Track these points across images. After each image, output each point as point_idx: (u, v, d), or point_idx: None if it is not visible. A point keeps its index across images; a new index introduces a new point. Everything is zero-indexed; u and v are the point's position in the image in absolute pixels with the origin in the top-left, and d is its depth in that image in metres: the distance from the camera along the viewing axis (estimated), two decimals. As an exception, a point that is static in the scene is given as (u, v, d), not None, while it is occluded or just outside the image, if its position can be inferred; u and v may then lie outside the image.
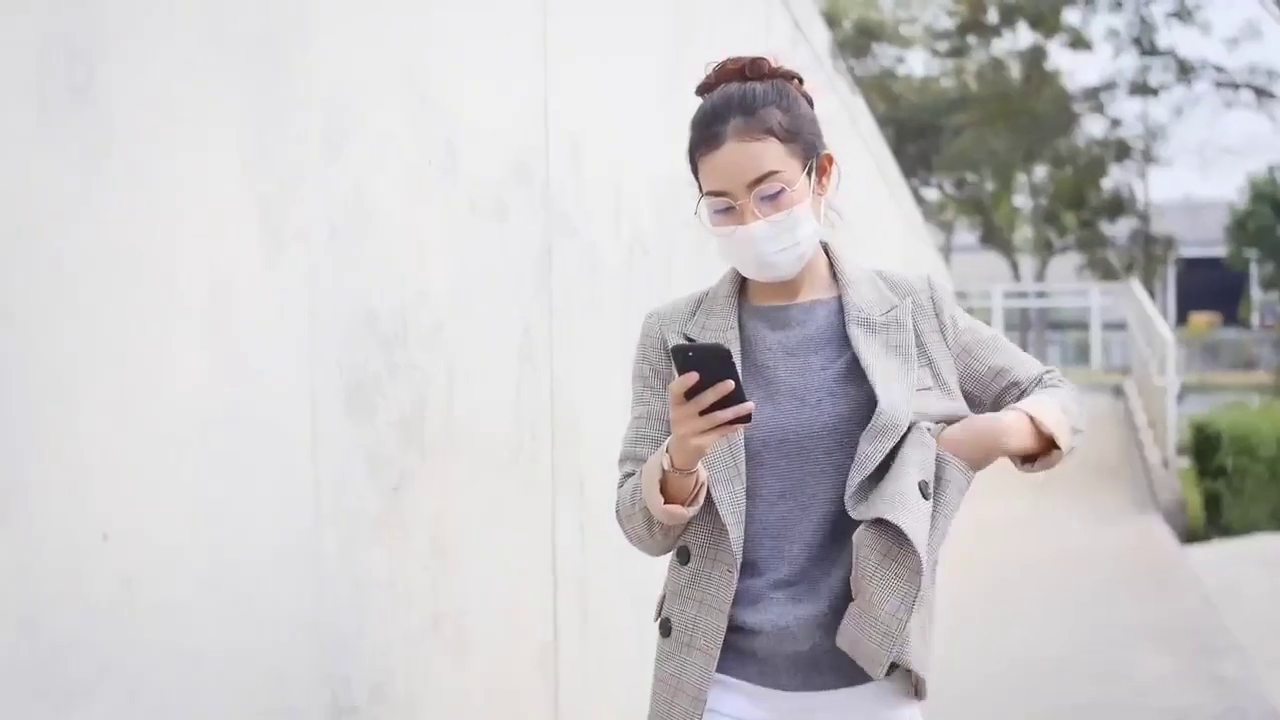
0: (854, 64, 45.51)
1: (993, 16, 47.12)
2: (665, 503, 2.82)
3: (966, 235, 53.88)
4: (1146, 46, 45.33)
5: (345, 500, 3.05)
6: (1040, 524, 15.57)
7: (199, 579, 2.56)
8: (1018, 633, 10.37)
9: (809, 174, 2.93)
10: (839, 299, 3.02)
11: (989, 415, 2.92)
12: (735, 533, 2.86)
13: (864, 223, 13.73)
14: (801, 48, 9.12)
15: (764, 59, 2.99)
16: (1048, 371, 3.11)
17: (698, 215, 2.96)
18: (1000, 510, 14.80)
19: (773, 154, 2.87)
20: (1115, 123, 47.87)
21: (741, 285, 3.07)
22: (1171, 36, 70.44)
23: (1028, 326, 46.45)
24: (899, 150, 40.00)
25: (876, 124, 16.88)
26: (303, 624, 2.90)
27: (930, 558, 2.80)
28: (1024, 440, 2.88)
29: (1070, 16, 45.82)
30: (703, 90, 2.99)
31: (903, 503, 2.75)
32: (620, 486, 3.03)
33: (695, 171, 2.96)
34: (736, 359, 2.81)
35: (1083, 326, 39.28)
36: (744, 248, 2.90)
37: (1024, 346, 44.89)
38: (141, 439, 2.40)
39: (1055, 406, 2.94)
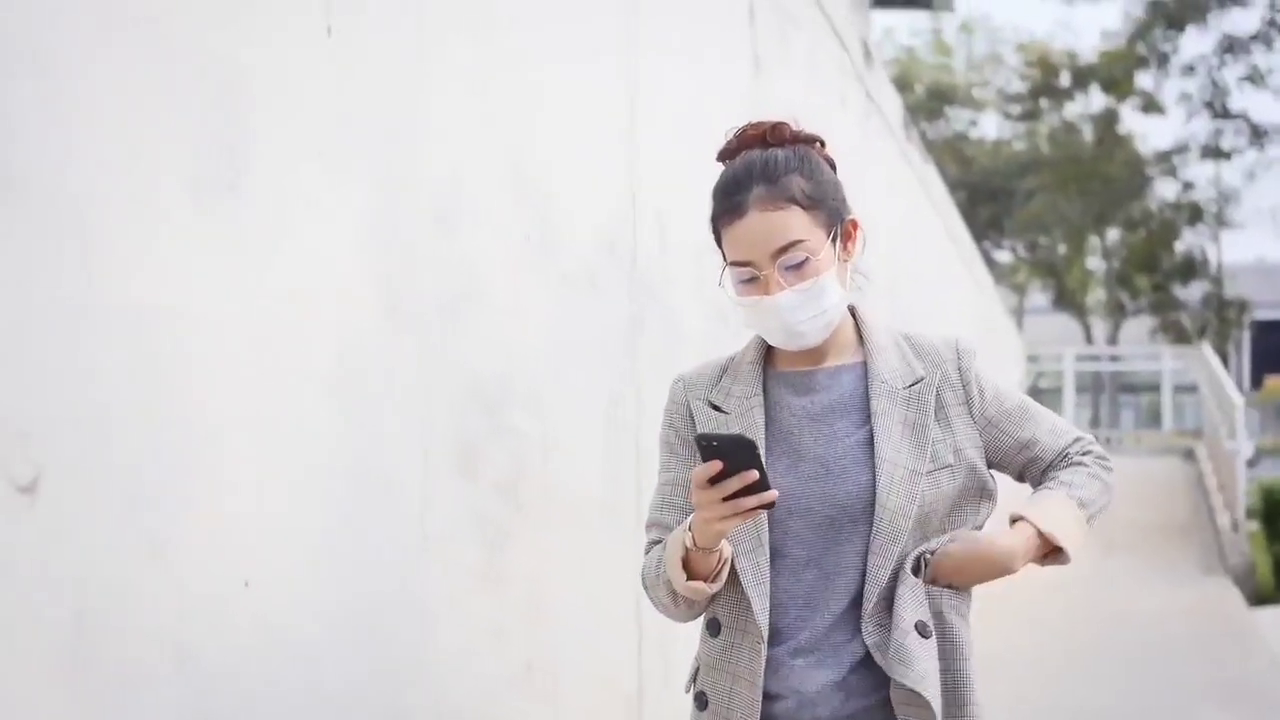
0: (926, 127, 45.68)
1: (1065, 80, 47.10)
2: (688, 579, 2.81)
3: (1039, 298, 53.77)
4: (1219, 110, 45.19)
5: (451, 553, 3.30)
6: (1108, 583, 15.65)
7: (325, 623, 2.81)
8: (1084, 689, 10.50)
9: (833, 240, 2.89)
10: (864, 364, 2.98)
11: (991, 537, 2.87)
12: (759, 604, 2.84)
13: (935, 287, 13.93)
14: (874, 118, 9.36)
15: (785, 124, 2.94)
16: (1077, 440, 3.05)
17: (721, 285, 2.92)
18: (1068, 568, 14.87)
19: (796, 222, 2.83)
20: (1188, 186, 47.67)
21: (767, 350, 3.03)
22: (1244, 100, 70.47)
23: (1100, 389, 46.30)
24: (971, 213, 40.13)
25: (949, 187, 17.08)
26: (413, 667, 3.14)
27: (953, 675, 2.85)
28: (1030, 555, 2.88)
29: (1143, 80, 45.73)
30: (724, 156, 2.97)
31: (903, 657, 2.77)
32: (646, 553, 3.03)
33: (718, 240, 2.92)
34: (760, 444, 2.83)
35: (1155, 389, 39.19)
36: (770, 317, 2.86)
37: (1096, 409, 45.05)
38: (276, 494, 2.65)
39: (1070, 503, 2.93)
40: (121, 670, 2.25)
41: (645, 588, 3.00)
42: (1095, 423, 43.23)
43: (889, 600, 2.83)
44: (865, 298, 3.06)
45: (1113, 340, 48.47)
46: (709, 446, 2.60)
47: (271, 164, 2.63)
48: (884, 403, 2.91)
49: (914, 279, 12.01)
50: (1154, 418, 39.05)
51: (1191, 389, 33.84)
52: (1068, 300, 50.16)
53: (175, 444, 2.38)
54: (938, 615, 2.87)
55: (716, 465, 2.59)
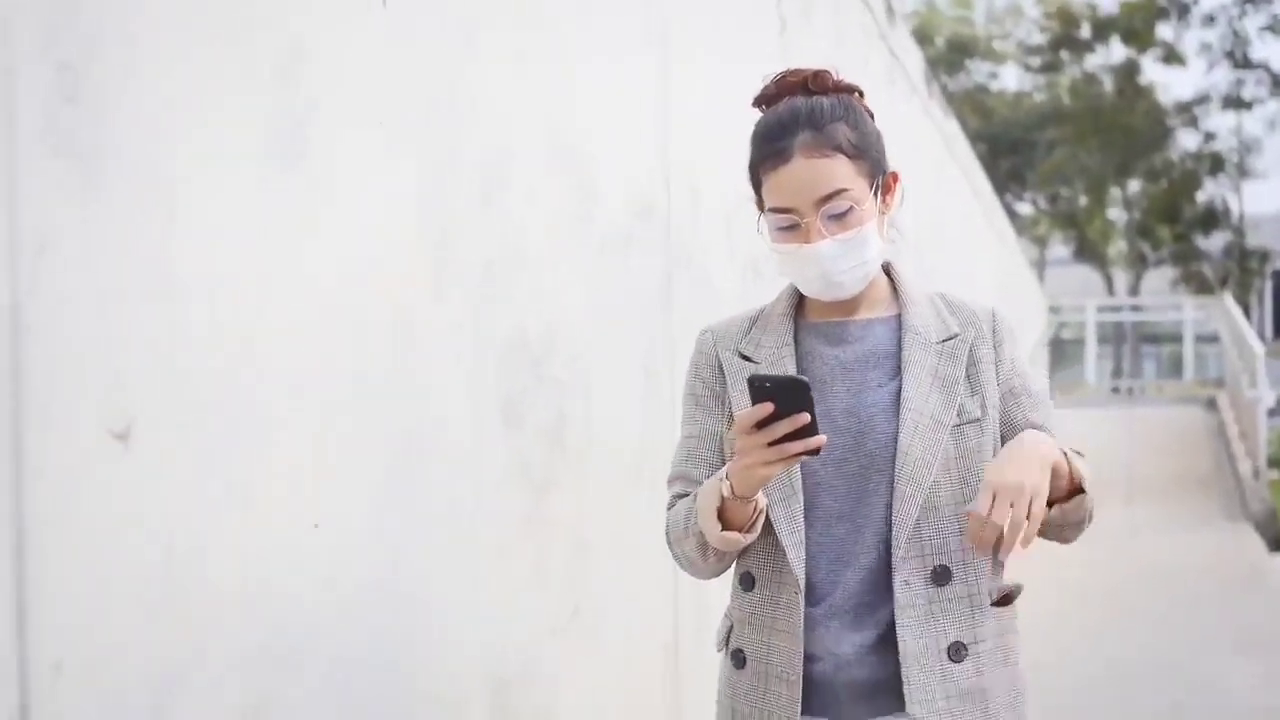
0: (947, 80, 45.69)
1: (1085, 31, 47.17)
2: (723, 529, 2.78)
3: (1060, 250, 53.82)
4: (1240, 60, 45.27)
5: (500, 501, 3.48)
6: (1133, 533, 15.82)
7: (386, 565, 2.99)
8: (1112, 637, 10.67)
9: (875, 192, 2.86)
10: (898, 317, 2.96)
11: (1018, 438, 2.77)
12: (795, 554, 2.83)
13: (959, 241, 14.07)
14: (897, 75, 9.50)
15: (826, 72, 2.93)
16: (1072, 448, 2.91)
17: (760, 231, 2.91)
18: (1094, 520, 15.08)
19: (841, 171, 2.80)
20: (1209, 136, 47.76)
21: (799, 301, 3.02)
22: (1265, 50, 70.00)
23: (1122, 340, 46.38)
24: (992, 166, 40.15)
25: (969, 140, 17.18)
26: (465, 609, 3.33)
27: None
28: (1059, 461, 2.77)
29: (1163, 31, 45.84)
30: (762, 102, 2.95)
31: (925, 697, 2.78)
32: (670, 508, 3.00)
33: (757, 186, 2.90)
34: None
35: (1177, 340, 39.27)
36: (809, 265, 2.83)
37: (1118, 359, 45.08)
38: (341, 443, 2.83)
39: (1074, 455, 2.85)
40: (205, 603, 2.43)
41: (670, 543, 2.97)
42: (1118, 372, 43.29)
43: (919, 547, 2.81)
44: (898, 254, 3.06)
45: (1134, 291, 48.52)
46: (761, 388, 2.59)
47: (332, 137, 2.80)
48: (916, 352, 2.88)
49: (938, 235, 12.16)
50: (1176, 368, 39.09)
51: (1213, 339, 33.88)
52: (1089, 251, 50.21)
53: (251, 397, 2.56)
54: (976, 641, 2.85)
55: (767, 408, 2.58)
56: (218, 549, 2.46)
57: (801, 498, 2.84)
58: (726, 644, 3.00)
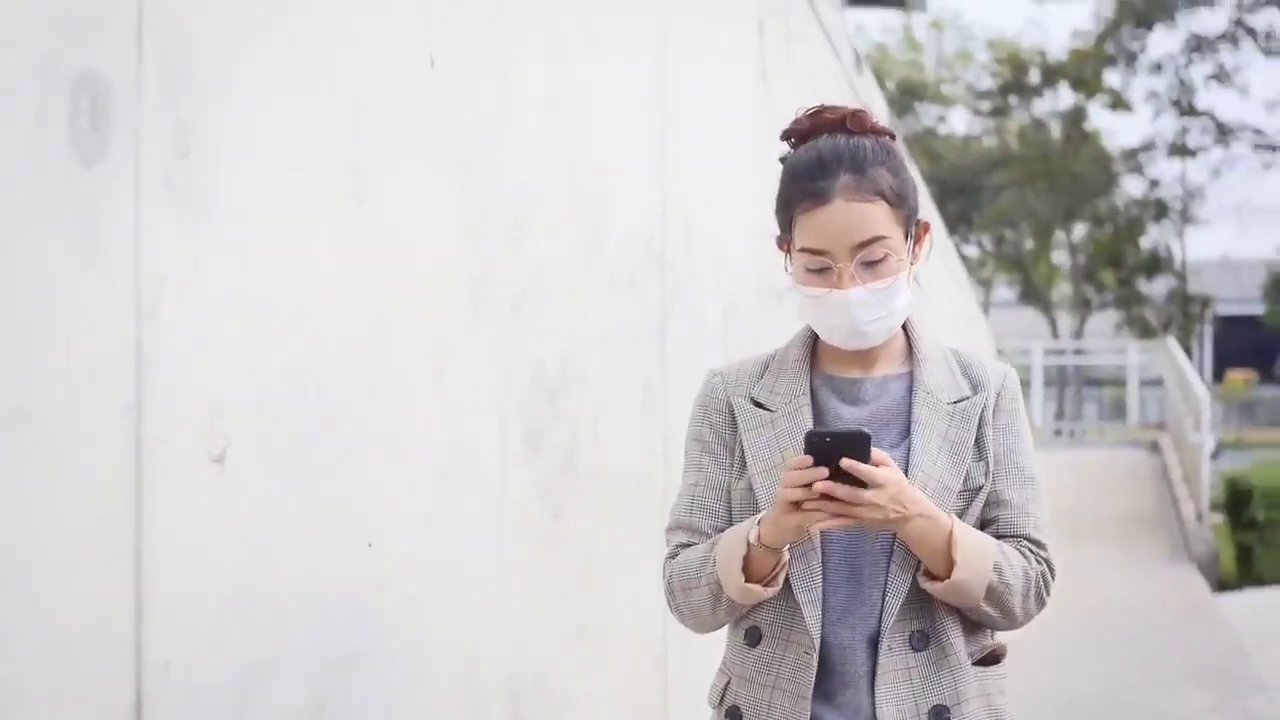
0: (897, 123, 46.13)
1: (1034, 77, 47.68)
2: (745, 580, 2.73)
3: (1005, 292, 54.35)
4: (1186, 108, 45.84)
5: (522, 521, 3.72)
6: (1080, 574, 16.14)
7: (427, 580, 3.23)
8: (1059, 673, 10.96)
9: (908, 241, 2.81)
10: (910, 374, 2.89)
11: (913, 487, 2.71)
12: (811, 612, 2.77)
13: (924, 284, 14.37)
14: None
15: (865, 112, 2.86)
16: (1040, 544, 2.86)
17: (788, 272, 2.86)
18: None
19: (881, 217, 2.74)
20: (1154, 183, 48.33)
21: (812, 349, 2.94)
22: (1210, 99, 71.05)
23: (1065, 382, 46.83)
24: (940, 208, 40.50)
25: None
26: (490, 621, 3.56)
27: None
28: (924, 535, 2.70)
29: (1111, 78, 46.38)
30: (794, 137, 2.88)
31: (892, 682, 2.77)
32: (672, 557, 2.94)
33: (788, 224, 2.83)
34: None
35: (1120, 383, 39.67)
36: (838, 313, 2.76)
37: (1061, 402, 45.51)
38: (391, 467, 3.07)
39: (991, 554, 2.76)
40: (280, 611, 2.66)
41: (672, 592, 2.91)
42: (1060, 415, 43.64)
43: (905, 611, 2.78)
44: (920, 308, 3.01)
45: (1078, 334, 49.06)
46: (820, 443, 2.57)
47: (386, 182, 3.04)
48: (926, 413, 2.82)
49: (921, 284, 12.45)
50: (1117, 411, 39.49)
51: (1155, 383, 34.38)
52: (1034, 295, 50.71)
53: (319, 426, 2.79)
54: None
55: (822, 471, 2.56)
56: (291, 562, 2.70)
57: (820, 555, 2.78)
58: (721, 701, 2.93)
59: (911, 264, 2.84)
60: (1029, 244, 50.17)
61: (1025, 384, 36.30)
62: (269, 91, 2.63)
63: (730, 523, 2.89)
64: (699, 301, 5.25)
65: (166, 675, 2.34)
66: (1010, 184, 46.80)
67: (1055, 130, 47.89)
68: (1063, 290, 52.21)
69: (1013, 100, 48.61)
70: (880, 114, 10.91)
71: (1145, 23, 43.70)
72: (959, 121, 52.24)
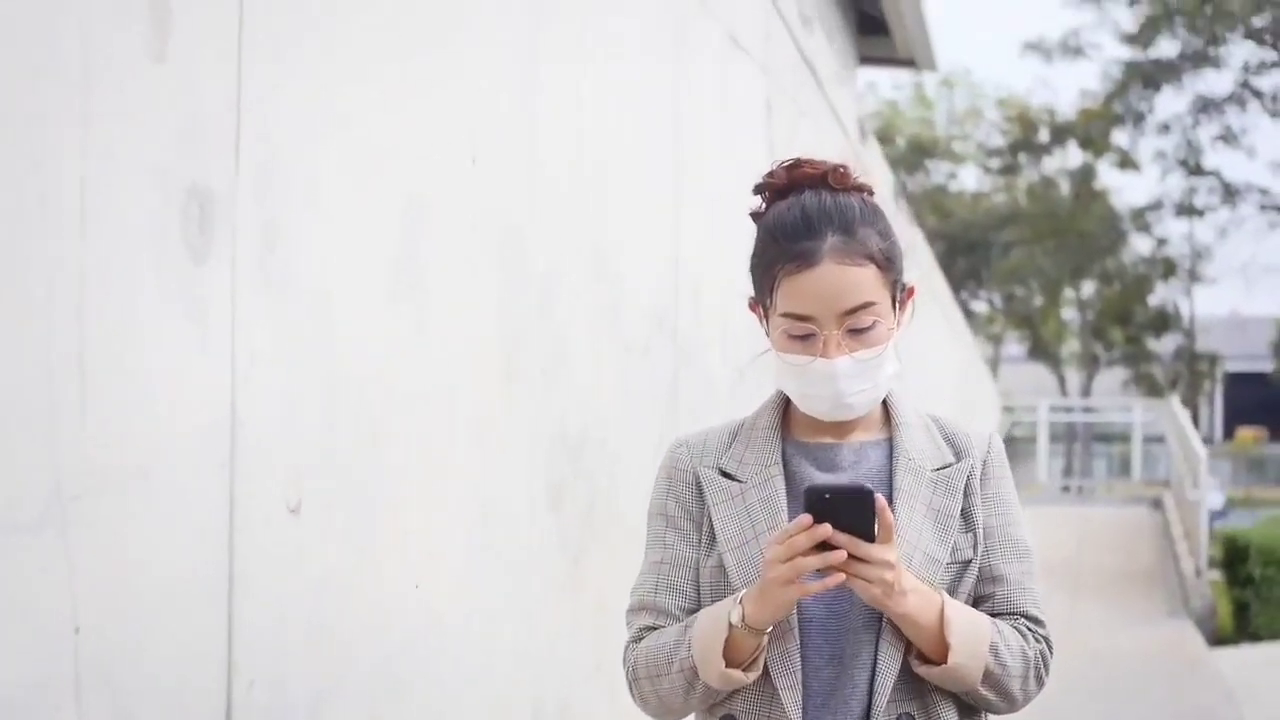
0: (907, 179, 46.57)
1: (1044, 136, 48.17)
2: (725, 666, 2.53)
3: (1015, 348, 54.67)
4: (1193, 168, 46.25)
5: (546, 566, 4.13)
6: (1078, 626, 16.50)
7: (463, 619, 3.65)
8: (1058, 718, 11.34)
9: (894, 307, 2.63)
10: (889, 441, 2.71)
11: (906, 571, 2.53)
12: (791, 697, 2.56)
13: (920, 343, 14.77)
14: (867, 191, 10.23)
15: (846, 166, 2.66)
16: (1038, 621, 2.69)
17: (767, 335, 2.70)
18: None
19: (870, 282, 2.55)
20: (1162, 242, 48.71)
21: (784, 415, 2.76)
22: (1217, 159, 71.61)
23: (1074, 439, 47.13)
24: (950, 264, 40.99)
25: (928, 238, 17.88)
26: (519, 655, 3.97)
27: None
28: (920, 615, 2.53)
29: (1119, 138, 46.81)
30: (769, 191, 2.68)
31: None
32: (635, 641, 2.73)
33: (769, 287, 2.63)
34: (782, 518, 2.61)
35: (1127, 440, 40.06)
36: (822, 384, 2.58)
37: (1069, 458, 45.81)
38: (436, 517, 3.49)
39: (988, 634, 2.59)
40: (343, 641, 3.08)
41: (636, 680, 2.70)
42: (1068, 471, 43.93)
43: (896, 692, 2.59)
44: (903, 377, 2.83)
45: (1086, 391, 49.29)
46: (821, 500, 2.42)
47: (435, 264, 3.47)
48: (909, 480, 2.64)
49: (902, 342, 12.86)
50: (1126, 467, 39.86)
51: (1162, 440, 34.72)
52: (1043, 351, 51.02)
53: (378, 482, 3.22)
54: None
55: (826, 529, 2.41)
56: (352, 599, 3.12)
57: (798, 635, 2.57)
58: None
59: (895, 329, 2.64)
60: (1038, 301, 50.51)
61: (1031, 440, 36.70)
62: (339, 191, 3.06)
63: (698, 603, 2.69)
64: (708, 367, 5.68)
65: (251, 692, 2.75)
66: (1020, 241, 47.22)
67: (1064, 188, 48.29)
68: (1072, 347, 52.52)
69: (1022, 158, 49.08)
70: (884, 183, 11.36)
71: (1153, 84, 44.18)
72: (969, 178, 52.63)
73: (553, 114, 4.15)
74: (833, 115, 8.74)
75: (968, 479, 2.69)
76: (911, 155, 48.86)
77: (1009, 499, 2.74)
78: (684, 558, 2.72)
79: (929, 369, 16.27)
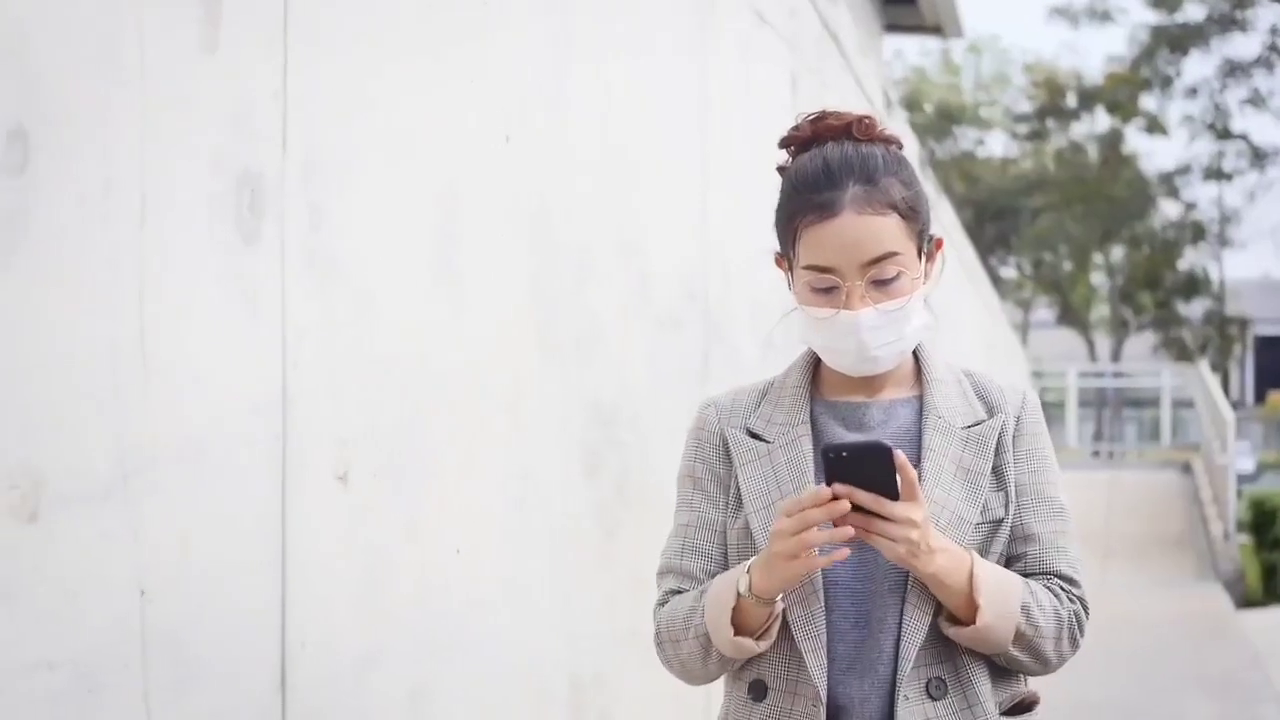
0: (935, 146, 46.58)
1: (1071, 101, 48.07)
2: (735, 634, 2.52)
3: (1044, 313, 54.64)
4: (1221, 132, 46.17)
5: (580, 537, 4.26)
6: (1108, 589, 16.67)
7: (502, 587, 3.78)
8: (1084, 681, 11.45)
9: (921, 258, 2.59)
10: (920, 398, 2.66)
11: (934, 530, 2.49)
12: (815, 661, 2.53)
13: (947, 309, 14.87)
14: (893, 161, 10.34)
15: (871, 118, 2.64)
16: (1073, 581, 2.64)
17: (792, 291, 2.65)
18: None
19: (893, 232, 2.50)
20: (1190, 206, 48.60)
21: (813, 374, 2.72)
22: (1245, 123, 71.41)
23: (1104, 404, 47.14)
24: (978, 230, 41.01)
25: (956, 204, 17.95)
26: (556, 622, 4.10)
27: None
28: (948, 575, 2.49)
29: (1147, 102, 46.73)
30: (794, 144, 2.67)
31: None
32: (661, 604, 2.75)
33: (791, 239, 2.60)
34: (809, 478, 2.60)
35: (1158, 405, 40.10)
36: (845, 336, 2.53)
37: (1099, 424, 45.84)
38: (475, 486, 3.62)
39: (1018, 593, 2.55)
40: (389, 605, 3.22)
41: (661, 644, 2.73)
42: (1098, 436, 43.94)
43: (924, 656, 2.56)
44: (934, 331, 2.73)
45: (1116, 355, 49.26)
46: (839, 459, 2.38)
47: (470, 242, 3.59)
48: (938, 439, 2.60)
49: (929, 304, 12.98)
50: (1156, 432, 39.90)
51: (1191, 405, 34.75)
52: (1072, 316, 50.95)
53: (419, 451, 3.35)
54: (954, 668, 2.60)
55: (828, 491, 2.39)
56: (397, 565, 3.25)
57: (823, 598, 2.54)
58: None
59: (924, 282, 2.61)
60: (1067, 266, 50.47)
61: (1060, 405, 36.78)
62: (379, 173, 3.18)
63: (725, 565, 2.69)
64: (737, 340, 5.79)
65: (304, 654, 2.89)
66: (1048, 207, 47.18)
67: (1092, 153, 48.22)
68: (1101, 312, 52.48)
69: (1050, 123, 48.98)
70: (910, 153, 11.44)
71: (1180, 48, 44.11)
72: (997, 144, 52.56)
73: (582, 93, 4.27)
74: (858, 87, 8.83)
75: (1000, 435, 2.63)
76: (939, 122, 48.84)
77: (1044, 456, 2.67)
78: (709, 520, 2.72)
79: (957, 337, 16.34)
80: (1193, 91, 45.62)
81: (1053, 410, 38.48)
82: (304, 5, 2.87)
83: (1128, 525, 21.33)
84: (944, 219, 15.09)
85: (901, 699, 2.53)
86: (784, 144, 2.70)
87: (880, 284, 2.52)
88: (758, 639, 2.54)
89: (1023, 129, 50.40)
